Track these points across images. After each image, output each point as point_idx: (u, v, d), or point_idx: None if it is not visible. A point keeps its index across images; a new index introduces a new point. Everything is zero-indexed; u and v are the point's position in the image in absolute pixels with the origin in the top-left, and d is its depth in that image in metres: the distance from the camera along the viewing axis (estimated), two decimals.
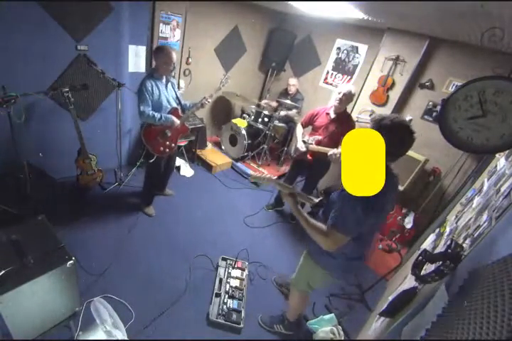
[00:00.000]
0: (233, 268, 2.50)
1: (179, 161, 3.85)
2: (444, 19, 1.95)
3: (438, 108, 3.13)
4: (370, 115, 3.46)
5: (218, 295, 2.26)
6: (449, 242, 1.29)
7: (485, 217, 1.32)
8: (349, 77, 3.99)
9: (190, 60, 3.73)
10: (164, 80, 2.49)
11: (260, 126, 4.06)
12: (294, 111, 4.12)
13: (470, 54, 2.86)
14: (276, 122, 4.03)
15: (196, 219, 3.07)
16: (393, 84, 3.30)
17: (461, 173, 3.05)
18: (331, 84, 4.21)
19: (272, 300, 2.40)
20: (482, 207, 1.51)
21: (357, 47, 3.82)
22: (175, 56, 2.36)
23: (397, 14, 2.25)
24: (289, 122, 4.25)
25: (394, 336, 1.27)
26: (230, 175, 4.04)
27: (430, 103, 3.21)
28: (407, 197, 3.32)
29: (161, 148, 2.63)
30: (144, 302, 2.09)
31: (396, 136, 1.23)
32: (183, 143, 3.76)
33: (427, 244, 2.20)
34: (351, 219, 1.31)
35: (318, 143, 2.79)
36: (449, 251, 1.16)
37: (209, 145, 4.41)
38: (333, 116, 2.74)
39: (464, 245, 1.25)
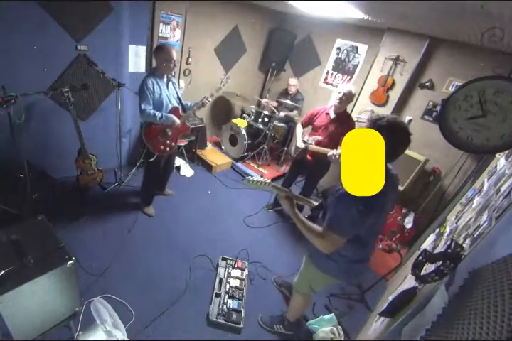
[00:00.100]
0: (233, 268, 2.50)
1: (179, 161, 3.85)
2: (444, 19, 1.95)
3: (438, 108, 3.13)
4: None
5: (218, 295, 2.26)
6: (449, 242, 1.29)
7: (485, 217, 1.32)
8: (349, 77, 3.99)
9: (190, 60, 3.73)
10: (165, 79, 2.49)
11: (260, 126, 4.06)
12: (295, 112, 4.12)
13: (470, 54, 2.86)
14: (276, 122, 4.03)
15: (196, 219, 3.07)
16: (393, 84, 3.30)
17: (461, 173, 3.05)
18: (331, 84, 4.21)
19: (272, 300, 2.40)
20: (482, 207, 1.51)
21: (357, 47, 3.82)
22: (175, 53, 2.35)
23: (397, 14, 2.25)
24: (289, 122, 4.25)
25: (394, 336, 1.27)
26: (230, 175, 4.04)
27: (430, 103, 3.22)
28: (407, 197, 3.32)
29: (162, 147, 2.63)
30: (144, 302, 2.09)
31: (391, 136, 1.22)
32: (183, 143, 3.76)
33: (427, 244, 2.20)
34: (346, 220, 1.30)
35: (318, 143, 2.78)
36: (449, 251, 1.17)
37: (209, 145, 4.41)
38: (332, 116, 2.74)
39: (464, 245, 1.25)
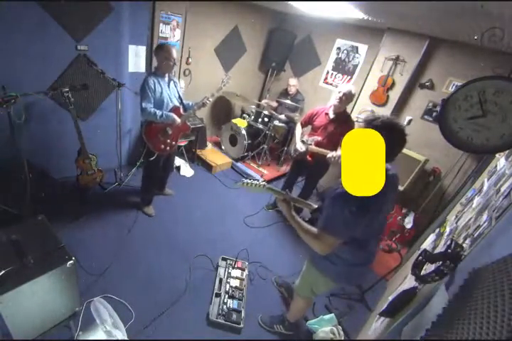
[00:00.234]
0: (233, 268, 2.50)
1: (179, 161, 3.85)
2: (443, 19, 1.95)
3: (438, 108, 3.13)
4: None
5: (218, 295, 2.26)
6: (449, 242, 1.29)
7: (485, 217, 1.32)
8: (349, 77, 3.99)
9: (190, 60, 3.73)
10: (167, 79, 2.49)
11: (260, 126, 4.06)
12: (296, 113, 4.12)
13: (470, 54, 2.86)
14: (276, 122, 4.03)
15: (196, 219, 3.07)
16: (393, 84, 3.30)
17: (461, 173, 3.05)
18: (331, 84, 4.21)
19: (272, 300, 2.40)
20: (482, 207, 1.51)
21: (357, 47, 3.82)
22: (175, 52, 2.37)
23: (397, 14, 2.25)
24: (289, 122, 4.25)
25: (394, 336, 1.27)
26: (230, 175, 4.04)
27: (430, 103, 3.21)
28: (407, 197, 3.32)
29: (162, 146, 2.63)
30: (144, 302, 2.09)
31: (386, 136, 1.21)
32: (183, 143, 3.76)
33: (427, 244, 2.20)
34: (339, 220, 1.29)
35: (317, 144, 2.79)
36: (449, 251, 1.17)
37: (209, 145, 4.40)
38: (332, 116, 2.74)
39: (464, 245, 1.25)
